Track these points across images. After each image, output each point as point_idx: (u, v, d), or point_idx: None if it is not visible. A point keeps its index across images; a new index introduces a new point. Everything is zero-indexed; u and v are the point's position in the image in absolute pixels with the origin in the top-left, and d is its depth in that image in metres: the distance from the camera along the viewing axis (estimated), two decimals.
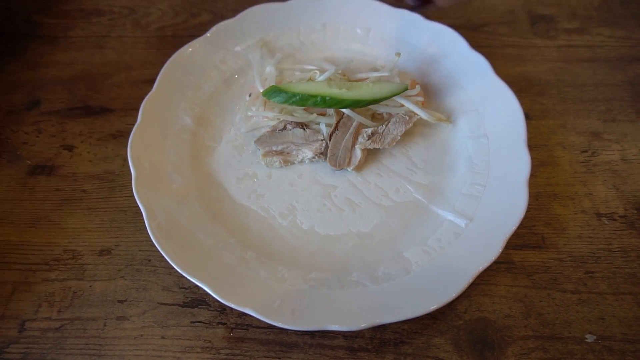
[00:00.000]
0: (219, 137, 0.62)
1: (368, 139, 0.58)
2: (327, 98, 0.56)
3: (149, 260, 0.54)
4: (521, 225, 0.50)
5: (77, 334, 0.50)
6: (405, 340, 0.49)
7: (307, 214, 0.56)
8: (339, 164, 0.58)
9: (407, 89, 0.59)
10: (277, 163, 0.59)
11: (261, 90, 0.60)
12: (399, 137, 0.59)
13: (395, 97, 0.59)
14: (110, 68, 0.71)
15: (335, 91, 0.56)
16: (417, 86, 0.61)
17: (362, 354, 0.48)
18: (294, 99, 0.57)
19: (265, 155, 0.58)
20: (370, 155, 0.60)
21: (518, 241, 0.54)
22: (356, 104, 0.57)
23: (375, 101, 0.58)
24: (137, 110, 0.58)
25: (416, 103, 0.60)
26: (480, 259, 0.48)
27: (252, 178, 0.59)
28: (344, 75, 0.63)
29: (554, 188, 0.59)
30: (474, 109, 0.61)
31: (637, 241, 0.54)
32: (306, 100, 0.57)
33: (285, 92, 0.56)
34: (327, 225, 0.55)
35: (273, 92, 0.57)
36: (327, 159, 0.58)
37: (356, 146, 0.58)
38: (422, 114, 0.59)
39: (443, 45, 0.66)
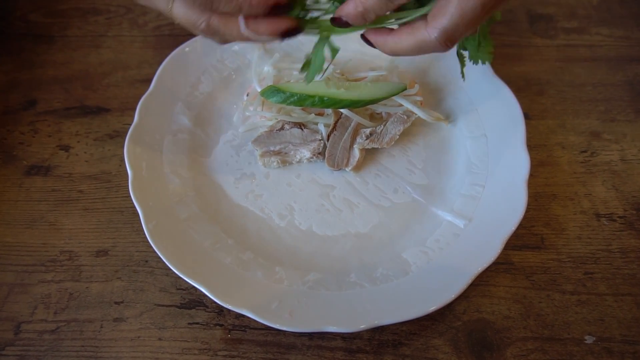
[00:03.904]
0: (217, 137, 0.61)
1: (366, 139, 0.58)
2: (325, 98, 0.56)
3: (146, 262, 0.54)
4: (520, 226, 0.50)
5: (73, 336, 0.49)
6: (403, 341, 0.49)
7: (305, 215, 0.55)
8: (337, 165, 0.57)
9: (405, 89, 0.59)
10: (274, 163, 0.58)
11: (259, 90, 0.60)
12: (398, 137, 0.58)
13: (394, 97, 0.59)
14: (106, 67, 0.71)
15: (334, 91, 0.56)
16: (416, 85, 0.61)
17: (361, 356, 0.48)
18: (291, 99, 0.56)
19: (263, 155, 0.58)
20: (369, 155, 0.60)
21: (517, 242, 0.54)
22: (355, 104, 0.57)
23: (374, 101, 0.57)
24: (134, 110, 0.58)
25: (415, 102, 0.60)
26: (479, 260, 0.48)
27: (250, 178, 0.58)
28: (343, 75, 0.62)
29: (553, 188, 0.58)
30: (473, 109, 0.61)
31: (637, 242, 0.54)
32: (304, 100, 0.56)
33: (283, 92, 0.56)
34: (325, 226, 0.55)
35: (271, 92, 0.57)
36: (325, 159, 0.58)
37: (354, 146, 0.58)
38: (420, 113, 0.59)
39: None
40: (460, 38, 0.42)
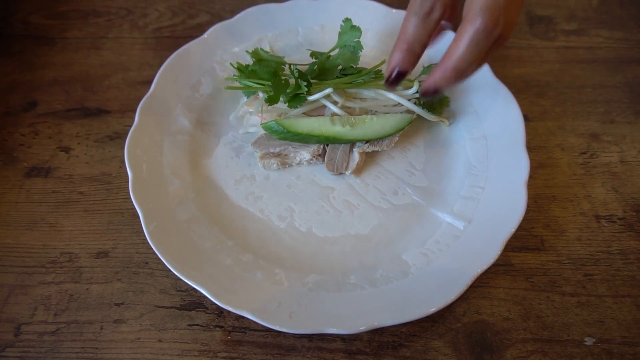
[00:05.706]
0: (217, 139, 0.62)
1: (366, 142, 0.58)
2: (330, 138, 0.56)
3: (146, 263, 0.54)
4: (520, 228, 0.50)
5: (73, 338, 0.49)
6: (403, 343, 0.49)
7: (305, 216, 0.55)
8: (337, 169, 0.57)
9: (411, 122, 0.58)
10: (274, 165, 0.59)
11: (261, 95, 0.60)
12: (397, 138, 0.58)
13: (393, 97, 0.59)
14: (107, 69, 0.71)
15: (338, 129, 0.56)
16: (416, 82, 0.60)
17: (361, 357, 0.48)
18: (296, 138, 0.56)
19: (263, 157, 0.58)
20: (369, 157, 0.60)
21: (517, 243, 0.54)
22: (359, 141, 0.57)
23: (380, 137, 0.57)
24: (134, 111, 0.58)
25: (414, 102, 0.60)
26: (479, 261, 0.48)
27: (250, 180, 0.58)
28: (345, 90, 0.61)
29: (552, 190, 0.58)
30: (473, 111, 0.61)
31: (636, 243, 0.54)
32: (308, 139, 0.56)
33: (288, 131, 0.55)
34: (325, 228, 0.55)
35: (274, 130, 0.56)
36: (325, 164, 0.58)
37: (354, 150, 0.58)
38: (422, 113, 0.59)
39: (442, 46, 0.65)
40: (501, 6, 0.43)
